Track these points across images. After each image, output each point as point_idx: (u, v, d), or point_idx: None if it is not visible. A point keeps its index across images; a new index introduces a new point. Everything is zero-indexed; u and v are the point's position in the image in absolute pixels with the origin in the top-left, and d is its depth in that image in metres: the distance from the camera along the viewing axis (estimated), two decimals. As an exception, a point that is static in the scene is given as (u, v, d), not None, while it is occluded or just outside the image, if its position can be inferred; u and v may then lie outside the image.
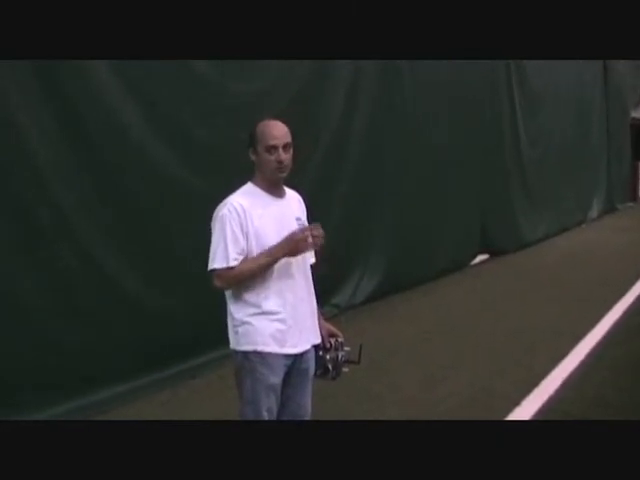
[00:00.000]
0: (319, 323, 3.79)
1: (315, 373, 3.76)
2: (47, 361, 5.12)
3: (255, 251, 3.50)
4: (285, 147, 3.54)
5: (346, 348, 3.84)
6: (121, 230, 5.72)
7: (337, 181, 8.44)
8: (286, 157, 3.54)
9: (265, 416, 3.54)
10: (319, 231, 3.50)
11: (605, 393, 5.75)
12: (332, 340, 3.81)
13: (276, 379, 3.56)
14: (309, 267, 3.73)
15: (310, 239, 3.49)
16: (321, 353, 3.76)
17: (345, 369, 3.83)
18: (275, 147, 3.52)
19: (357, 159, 8.75)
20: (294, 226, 3.65)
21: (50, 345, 5.18)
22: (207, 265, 3.53)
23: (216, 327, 4.07)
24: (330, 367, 3.76)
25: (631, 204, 23.11)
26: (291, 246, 3.49)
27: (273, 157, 3.51)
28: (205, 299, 4.72)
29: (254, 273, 3.50)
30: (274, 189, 3.63)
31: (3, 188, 4.91)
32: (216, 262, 3.48)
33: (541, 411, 5.37)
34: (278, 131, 3.56)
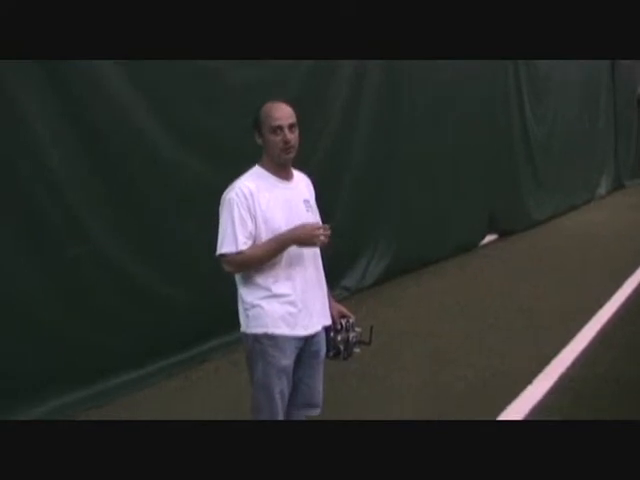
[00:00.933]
0: (330, 304, 3.79)
1: (327, 355, 3.77)
2: (58, 349, 5.15)
3: (264, 234, 3.49)
4: (291, 127, 3.52)
5: (357, 329, 3.84)
6: (131, 220, 5.74)
7: (346, 164, 8.43)
8: (292, 137, 3.52)
9: (277, 399, 3.54)
10: (327, 232, 3.51)
11: (617, 371, 5.75)
12: (343, 321, 3.81)
13: (287, 361, 3.56)
14: (318, 249, 3.72)
15: (322, 237, 3.50)
16: (332, 334, 3.76)
17: (357, 350, 3.83)
18: (280, 127, 3.50)
19: (366, 142, 8.74)
20: (302, 209, 3.65)
21: (61, 333, 5.20)
22: (215, 250, 3.52)
23: (227, 312, 4.07)
24: (342, 348, 3.77)
25: (639, 181, 23.01)
26: (303, 237, 3.50)
27: (279, 137, 3.50)
28: (215, 284, 4.73)
29: (263, 259, 3.49)
30: (282, 171, 3.62)
31: (13, 187, 4.93)
32: (225, 247, 3.47)
33: (553, 390, 5.37)
34: (282, 112, 3.54)
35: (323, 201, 3.87)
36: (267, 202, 3.51)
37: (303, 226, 3.53)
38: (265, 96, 6.21)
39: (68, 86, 5.24)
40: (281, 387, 3.56)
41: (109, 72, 5.48)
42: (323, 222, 3.73)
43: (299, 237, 3.49)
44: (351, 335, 3.80)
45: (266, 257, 3.49)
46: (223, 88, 6.47)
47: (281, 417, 3.59)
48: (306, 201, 3.71)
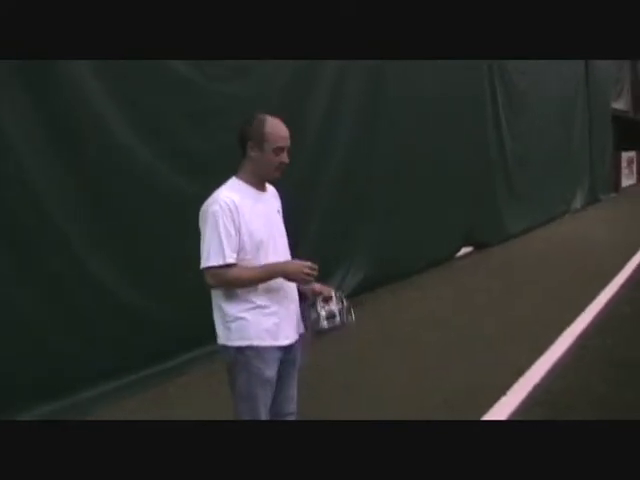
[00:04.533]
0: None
1: (318, 327, 3.63)
2: (34, 361, 5.13)
3: (248, 246, 3.49)
4: (289, 149, 3.58)
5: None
6: (106, 232, 5.73)
7: (324, 175, 8.48)
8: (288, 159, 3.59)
9: (262, 410, 3.55)
10: (315, 273, 3.54)
11: (591, 383, 5.79)
12: (334, 293, 3.70)
13: (271, 372, 3.57)
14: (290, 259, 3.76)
15: (309, 277, 3.53)
16: (320, 304, 3.64)
17: (351, 318, 3.70)
18: (283, 149, 3.55)
19: (344, 155, 8.81)
20: (278, 220, 3.70)
21: (37, 345, 5.18)
22: (200, 262, 3.50)
23: (202, 324, 4.08)
24: (336, 311, 3.64)
25: (614, 194, 23.25)
26: (292, 273, 3.53)
27: (278, 158, 3.53)
28: (191, 297, 4.74)
29: (250, 283, 3.50)
30: (261, 185, 3.64)
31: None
32: (211, 259, 3.45)
33: (527, 401, 5.41)
34: (286, 132, 3.58)
35: (300, 213, 3.89)
36: (250, 214, 3.51)
37: (294, 262, 3.59)
38: (245, 108, 6.32)
39: (46, 100, 5.25)
40: (265, 398, 3.57)
41: (91, 86, 5.52)
42: (287, 231, 3.77)
43: (289, 272, 3.53)
44: (345, 303, 3.69)
45: (253, 282, 3.51)
46: (204, 102, 6.52)
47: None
48: (278, 211, 3.76)
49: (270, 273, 3.52)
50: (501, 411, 5.22)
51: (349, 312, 3.69)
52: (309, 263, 3.58)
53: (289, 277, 3.55)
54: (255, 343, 3.51)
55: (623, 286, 9.63)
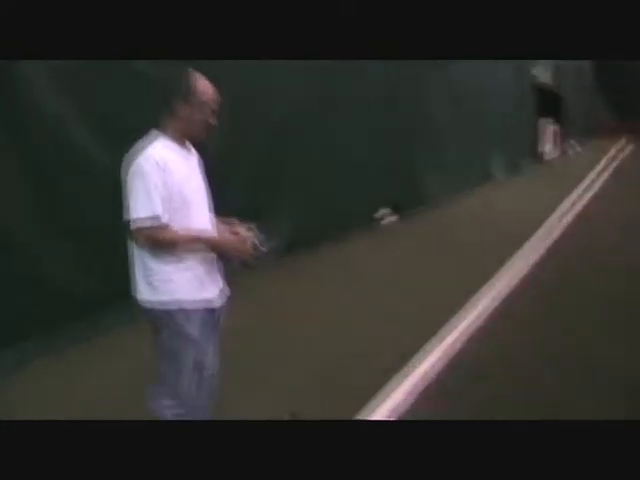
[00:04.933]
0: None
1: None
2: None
3: (177, 204, 3.47)
4: (217, 112, 3.62)
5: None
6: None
7: (244, 140, 8.51)
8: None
9: (186, 369, 3.56)
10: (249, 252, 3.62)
11: (488, 367, 5.69)
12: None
13: (194, 331, 3.56)
14: (214, 218, 3.82)
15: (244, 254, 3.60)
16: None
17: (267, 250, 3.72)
18: (213, 110, 3.58)
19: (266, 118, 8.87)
20: (202, 179, 3.74)
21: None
22: (126, 217, 3.47)
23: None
24: (257, 243, 3.67)
25: (536, 165, 23.60)
26: (230, 252, 3.62)
27: (206, 117, 3.57)
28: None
29: (181, 249, 3.51)
30: (186, 143, 3.66)
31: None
32: (142, 215, 3.39)
33: (420, 383, 5.36)
34: (216, 94, 3.61)
35: (220, 175, 3.94)
36: (179, 173, 3.51)
37: (229, 239, 3.64)
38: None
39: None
40: (189, 355, 3.56)
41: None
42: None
43: (226, 250, 3.62)
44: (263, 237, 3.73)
45: (185, 250, 3.53)
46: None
47: (188, 385, 3.62)
48: (201, 171, 3.79)
49: (209, 244, 3.58)
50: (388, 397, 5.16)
51: (265, 244, 3.71)
52: (244, 240, 3.63)
53: (224, 254, 3.63)
54: (178, 297, 3.51)
55: (541, 255, 9.76)
